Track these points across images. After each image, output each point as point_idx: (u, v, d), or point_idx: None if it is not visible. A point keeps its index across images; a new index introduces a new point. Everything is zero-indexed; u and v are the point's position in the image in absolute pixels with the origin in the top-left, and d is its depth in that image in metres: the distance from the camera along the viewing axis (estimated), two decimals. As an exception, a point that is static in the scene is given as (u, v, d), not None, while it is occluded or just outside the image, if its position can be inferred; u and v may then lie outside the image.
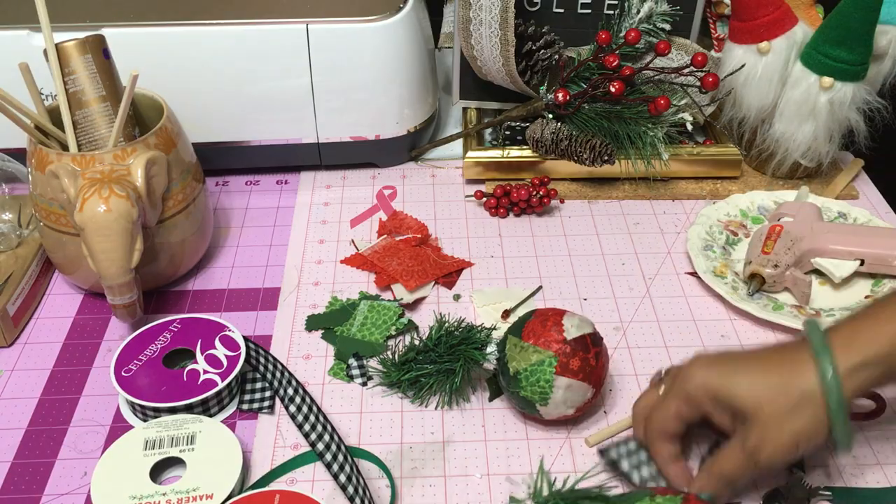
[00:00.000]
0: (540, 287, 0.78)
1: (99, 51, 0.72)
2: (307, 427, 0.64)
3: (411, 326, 0.74)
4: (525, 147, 0.90)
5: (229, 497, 0.58)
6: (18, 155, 0.80)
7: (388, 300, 0.76)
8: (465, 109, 0.97)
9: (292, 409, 0.66)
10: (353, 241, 0.84)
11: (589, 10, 0.91)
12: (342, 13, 0.84)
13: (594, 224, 0.86)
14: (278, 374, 0.68)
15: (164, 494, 0.58)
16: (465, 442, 0.64)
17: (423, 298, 0.77)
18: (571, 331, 0.62)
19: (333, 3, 0.86)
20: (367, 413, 0.67)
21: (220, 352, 0.67)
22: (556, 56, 0.89)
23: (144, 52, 0.81)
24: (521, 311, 0.74)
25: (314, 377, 0.70)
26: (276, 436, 0.65)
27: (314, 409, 0.65)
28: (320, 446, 0.62)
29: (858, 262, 0.76)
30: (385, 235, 0.84)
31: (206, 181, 0.80)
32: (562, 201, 0.89)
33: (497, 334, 0.68)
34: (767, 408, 0.54)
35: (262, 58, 0.84)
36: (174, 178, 0.73)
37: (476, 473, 0.62)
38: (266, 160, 0.92)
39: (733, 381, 0.56)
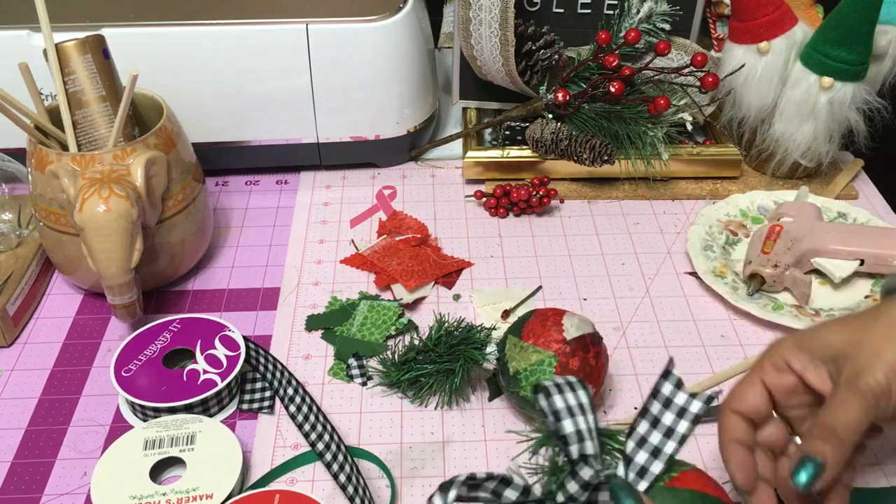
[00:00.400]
0: (540, 287, 0.78)
1: (99, 51, 0.72)
2: (307, 427, 0.64)
3: (411, 326, 0.74)
4: (525, 147, 0.90)
5: (229, 497, 0.58)
6: (18, 155, 0.80)
7: (388, 300, 0.76)
8: (465, 109, 0.97)
9: (292, 409, 0.66)
10: (352, 241, 0.84)
11: (589, 10, 0.91)
12: (342, 13, 0.84)
13: (594, 224, 0.86)
14: (278, 374, 0.68)
15: (163, 494, 0.58)
16: (465, 442, 0.64)
17: (422, 298, 0.77)
18: (571, 331, 0.62)
19: (333, 3, 0.86)
20: (367, 413, 0.67)
21: (220, 352, 0.67)
22: (556, 56, 0.89)
23: (144, 52, 0.81)
24: (520, 311, 0.74)
25: (314, 377, 0.70)
26: (276, 436, 0.65)
27: (314, 409, 0.65)
28: (320, 446, 0.62)
29: (858, 262, 0.76)
30: (385, 235, 0.84)
31: (205, 181, 0.80)
32: (562, 201, 0.89)
33: (497, 334, 0.68)
34: (859, 336, 0.48)
35: (262, 58, 0.84)
36: (174, 178, 0.73)
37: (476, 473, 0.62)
38: (266, 160, 0.92)
39: (823, 330, 0.50)
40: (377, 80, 0.87)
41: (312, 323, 0.75)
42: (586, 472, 0.44)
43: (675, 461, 0.48)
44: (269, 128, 0.89)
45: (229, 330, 0.69)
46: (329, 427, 0.63)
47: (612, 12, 0.90)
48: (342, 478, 0.60)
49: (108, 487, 0.58)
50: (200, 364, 0.66)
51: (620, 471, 0.48)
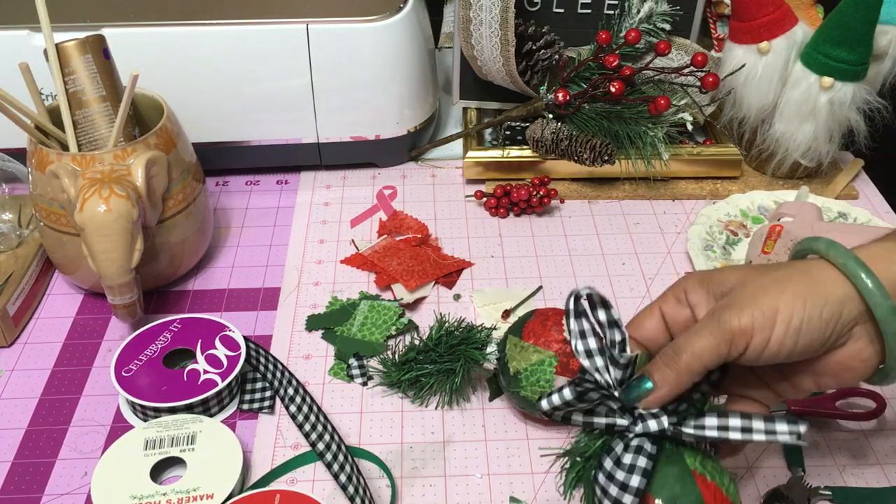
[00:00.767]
0: (540, 287, 0.78)
1: (99, 51, 0.72)
2: (307, 427, 0.64)
3: (411, 326, 0.74)
4: (525, 147, 0.90)
5: (229, 497, 0.58)
6: (18, 155, 0.80)
7: (389, 300, 0.76)
8: (465, 109, 0.97)
9: (292, 409, 0.66)
10: (353, 241, 0.84)
11: (589, 10, 0.91)
12: (342, 13, 0.84)
13: (594, 224, 0.86)
14: (278, 374, 0.68)
15: (164, 494, 0.58)
16: (466, 442, 0.64)
17: (423, 298, 0.77)
18: (572, 330, 0.62)
19: (333, 3, 0.86)
20: (368, 413, 0.67)
21: (221, 352, 0.67)
22: (556, 56, 0.89)
23: (144, 52, 0.81)
24: (521, 311, 0.74)
25: (314, 377, 0.70)
26: (276, 436, 0.65)
27: (314, 409, 0.65)
28: (320, 446, 0.62)
29: (858, 262, 0.76)
30: (385, 235, 0.84)
31: (206, 181, 0.80)
32: (562, 201, 0.89)
33: (497, 334, 0.68)
34: (755, 277, 0.46)
35: (262, 58, 0.84)
36: (174, 178, 0.73)
37: (476, 473, 0.62)
38: (266, 160, 0.92)
39: (725, 270, 0.49)
40: (377, 80, 0.87)
41: (313, 323, 0.75)
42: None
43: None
44: (270, 128, 0.89)
45: (229, 330, 0.69)
46: (329, 427, 0.63)
47: (612, 12, 0.90)
48: (342, 478, 0.60)
49: (108, 487, 0.58)
50: (201, 364, 0.66)
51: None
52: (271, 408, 0.67)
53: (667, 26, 0.90)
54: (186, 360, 0.68)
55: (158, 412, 0.64)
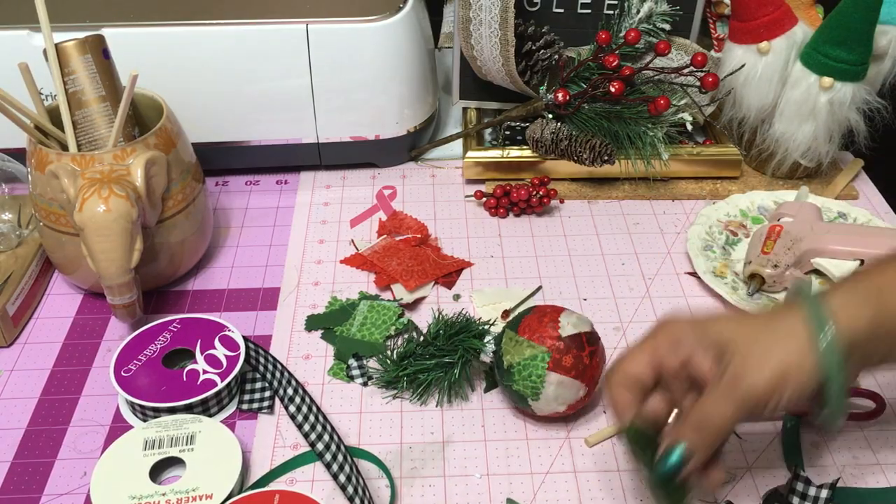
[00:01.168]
0: (539, 287, 0.78)
1: (99, 51, 0.72)
2: (307, 427, 0.64)
3: (411, 326, 0.74)
4: (525, 147, 0.90)
5: (229, 497, 0.58)
6: (18, 155, 0.80)
7: (388, 300, 0.76)
8: (465, 109, 0.97)
9: (292, 409, 0.66)
10: (352, 241, 0.84)
11: (589, 10, 0.91)
12: (342, 13, 0.84)
13: (594, 224, 0.86)
14: (278, 374, 0.68)
15: (163, 494, 0.58)
16: (465, 442, 0.64)
17: (422, 298, 0.77)
18: (567, 328, 0.62)
19: (333, 3, 0.86)
20: (367, 413, 0.67)
21: (220, 352, 0.67)
22: (556, 56, 0.89)
23: (144, 52, 0.81)
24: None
25: (314, 377, 0.70)
26: (275, 436, 0.65)
27: (314, 409, 0.65)
28: (320, 446, 0.62)
29: (858, 262, 0.76)
30: (385, 235, 0.84)
31: (205, 181, 0.80)
32: (561, 201, 0.89)
33: (496, 329, 0.68)
34: (750, 335, 0.50)
35: (262, 58, 0.84)
36: (174, 178, 0.73)
37: (476, 473, 0.62)
38: (266, 160, 0.92)
39: (720, 319, 0.53)
40: (377, 80, 0.87)
41: (312, 323, 0.75)
42: None
43: None
44: (269, 128, 0.89)
45: (229, 330, 0.69)
46: (329, 427, 0.63)
47: (612, 12, 0.90)
48: (342, 478, 0.60)
49: (107, 487, 0.58)
50: (200, 364, 0.66)
51: None
52: (271, 408, 0.67)
53: (667, 26, 0.90)
54: (186, 361, 0.68)
55: (158, 412, 0.64)
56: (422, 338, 0.69)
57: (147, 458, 0.60)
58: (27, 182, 0.74)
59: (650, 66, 0.87)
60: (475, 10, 0.85)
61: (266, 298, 0.78)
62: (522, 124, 0.94)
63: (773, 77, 0.84)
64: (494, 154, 0.90)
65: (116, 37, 0.76)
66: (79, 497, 0.61)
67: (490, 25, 0.85)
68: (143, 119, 0.78)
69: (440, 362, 0.67)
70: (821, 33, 0.81)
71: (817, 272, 0.77)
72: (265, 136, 0.89)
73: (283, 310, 0.76)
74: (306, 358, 0.72)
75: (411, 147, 0.95)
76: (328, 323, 0.74)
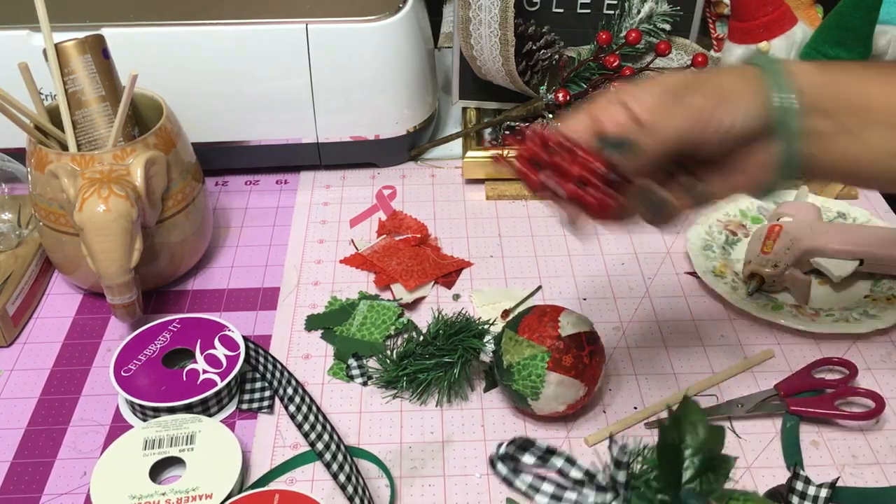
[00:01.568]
0: (539, 287, 0.78)
1: (98, 51, 0.72)
2: (307, 427, 0.64)
3: (411, 326, 0.74)
4: (525, 147, 0.90)
5: (229, 497, 0.58)
6: (18, 155, 0.80)
7: (388, 300, 0.76)
8: (464, 109, 0.97)
9: (292, 408, 0.66)
10: (352, 240, 0.84)
11: (589, 10, 0.91)
12: (342, 13, 0.84)
13: (594, 224, 0.86)
14: (278, 374, 0.68)
15: (163, 494, 0.58)
16: (465, 441, 0.64)
17: (422, 298, 0.77)
18: (567, 327, 0.62)
19: (333, 3, 0.86)
20: (367, 413, 0.67)
21: (220, 351, 0.68)
22: (556, 56, 0.89)
23: (144, 52, 0.81)
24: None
25: (314, 377, 0.70)
26: (275, 435, 0.65)
27: (314, 408, 0.65)
28: (320, 446, 0.62)
29: (858, 262, 0.76)
30: (385, 235, 0.84)
31: (205, 181, 0.80)
32: (561, 201, 0.89)
33: (495, 328, 0.68)
34: (699, 76, 0.51)
35: (262, 58, 0.84)
36: (174, 178, 0.73)
37: (475, 473, 0.62)
38: (266, 160, 0.92)
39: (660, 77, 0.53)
40: (377, 80, 0.87)
41: (312, 323, 0.75)
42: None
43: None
44: (269, 128, 0.89)
45: (229, 330, 0.69)
46: (329, 427, 0.63)
47: (612, 12, 0.90)
48: (342, 477, 0.60)
49: (107, 487, 0.58)
50: (200, 364, 0.66)
51: None
52: (270, 408, 0.67)
53: (667, 26, 0.90)
54: (186, 360, 0.68)
55: (158, 412, 0.64)
56: (421, 337, 0.69)
57: (147, 458, 0.60)
58: (27, 182, 0.74)
59: (651, 66, 0.87)
60: (475, 10, 0.85)
61: (266, 298, 0.78)
62: (522, 124, 0.94)
63: (773, 77, 0.84)
64: (494, 154, 0.90)
65: (116, 37, 0.76)
66: (79, 497, 0.61)
67: (490, 25, 0.85)
68: (142, 119, 0.78)
69: (440, 362, 0.67)
70: (820, 33, 0.81)
71: (817, 272, 0.77)
72: (265, 135, 0.89)
73: (283, 310, 0.76)
74: (306, 358, 0.72)
75: (411, 147, 0.95)
76: (328, 323, 0.74)
